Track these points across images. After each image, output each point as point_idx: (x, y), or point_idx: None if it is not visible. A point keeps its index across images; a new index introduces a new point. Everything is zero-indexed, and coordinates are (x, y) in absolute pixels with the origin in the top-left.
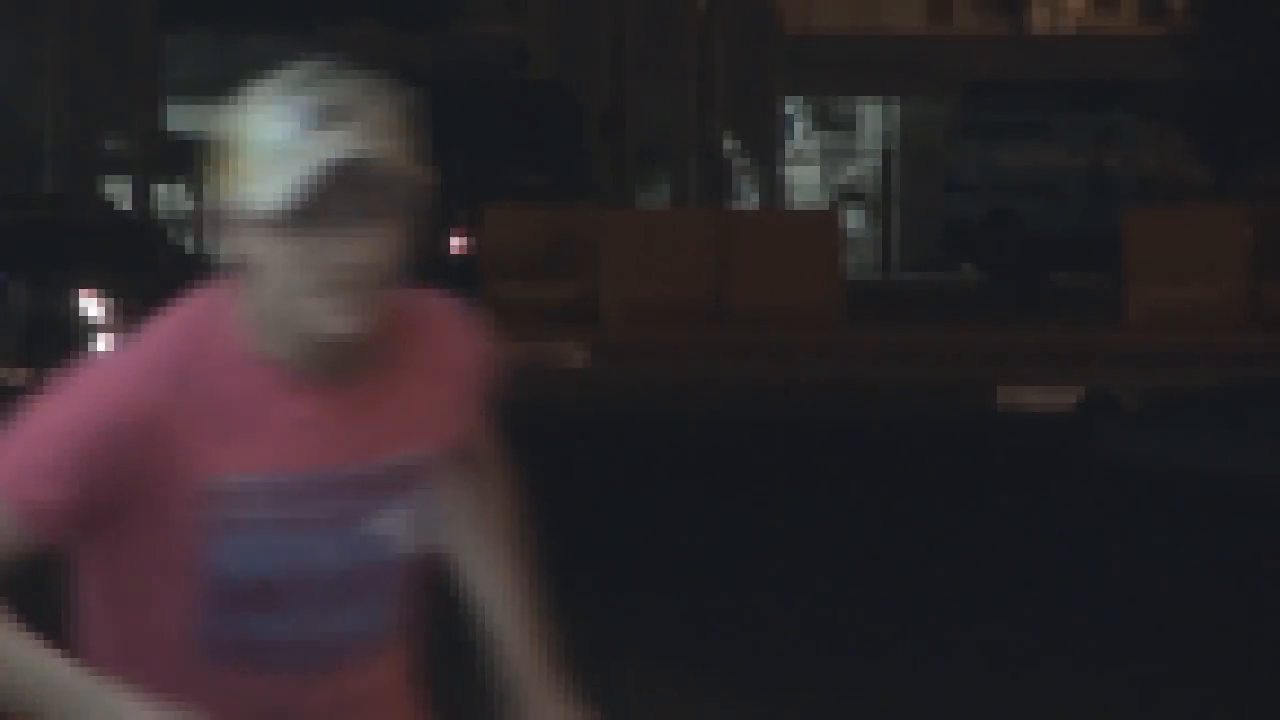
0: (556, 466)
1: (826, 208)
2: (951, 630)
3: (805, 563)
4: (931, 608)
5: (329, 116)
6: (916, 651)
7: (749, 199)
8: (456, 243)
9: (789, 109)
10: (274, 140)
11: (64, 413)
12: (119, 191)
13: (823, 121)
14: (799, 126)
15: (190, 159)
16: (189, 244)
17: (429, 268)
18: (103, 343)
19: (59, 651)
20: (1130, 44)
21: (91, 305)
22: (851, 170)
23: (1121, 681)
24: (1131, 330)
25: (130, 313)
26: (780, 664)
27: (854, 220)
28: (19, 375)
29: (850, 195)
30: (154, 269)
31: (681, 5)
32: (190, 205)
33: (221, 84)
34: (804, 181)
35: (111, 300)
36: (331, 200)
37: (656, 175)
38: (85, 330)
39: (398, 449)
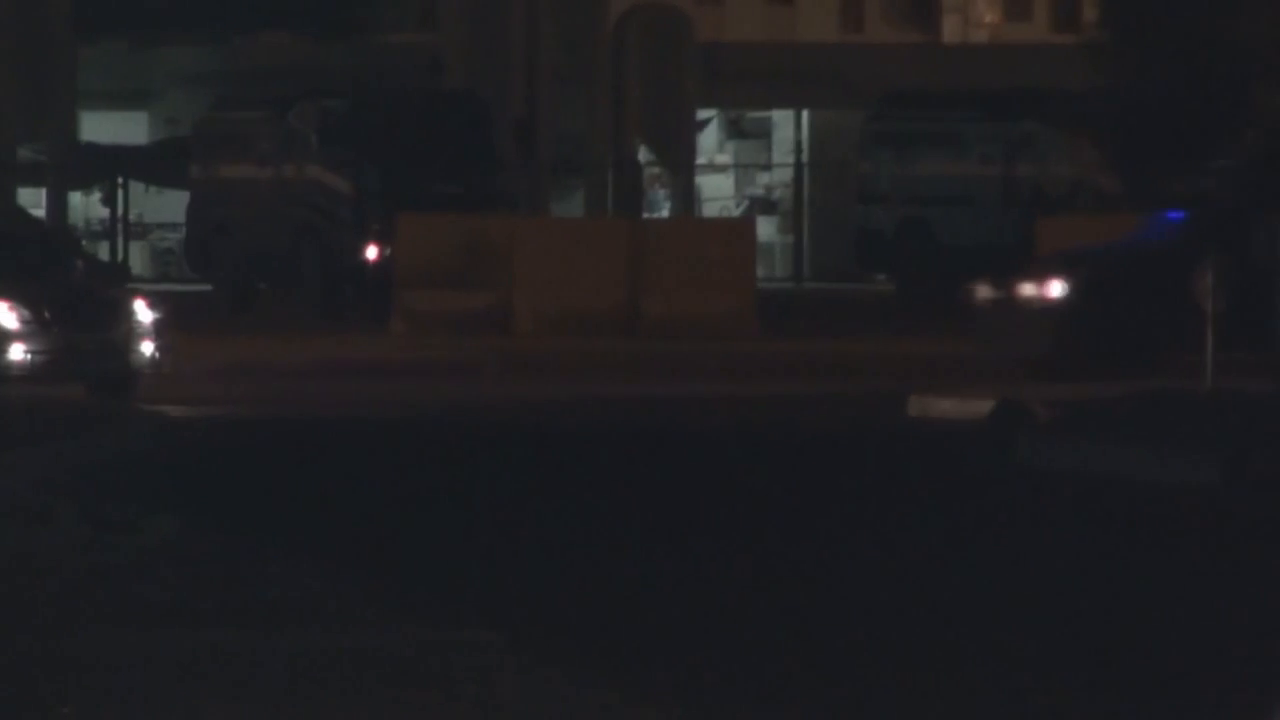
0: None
1: (739, 217)
2: (864, 638)
3: (717, 573)
4: (843, 617)
5: None
6: (828, 659)
7: (662, 209)
8: (371, 251)
9: (702, 118)
10: None
11: None
12: (33, 200)
13: (736, 131)
14: (712, 136)
15: (105, 168)
16: (104, 251)
17: (344, 275)
18: (15, 352)
19: None
20: (1042, 53)
21: (4, 314)
22: (764, 180)
23: (1038, 687)
24: None
25: (43, 321)
26: (688, 670)
27: (766, 230)
28: None
29: (763, 205)
30: (68, 277)
31: (595, 15)
32: (105, 214)
33: (135, 93)
34: (717, 192)
35: (24, 309)
36: None
37: (570, 185)
38: None
39: None
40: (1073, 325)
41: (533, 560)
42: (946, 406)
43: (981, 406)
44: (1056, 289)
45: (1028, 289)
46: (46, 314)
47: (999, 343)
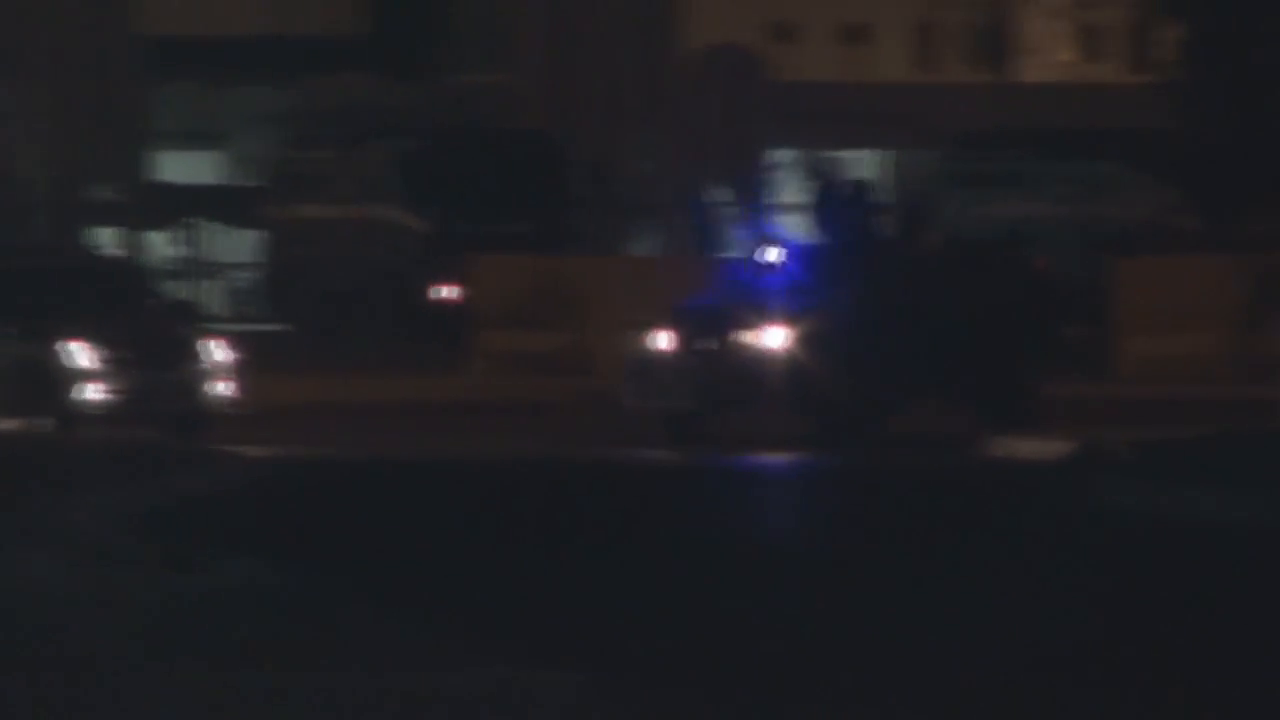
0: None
1: None
2: (946, 675)
3: (799, 616)
4: (925, 655)
5: None
6: (906, 700)
7: (735, 248)
8: (444, 291)
9: (777, 159)
10: None
11: None
12: (107, 240)
13: (812, 171)
14: (787, 177)
15: (179, 208)
16: (178, 292)
17: (419, 315)
18: (91, 391)
19: None
20: (1118, 93)
21: (79, 353)
22: None
23: None
24: (1122, 381)
25: (119, 361)
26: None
27: None
28: (9, 423)
29: None
30: (143, 317)
31: (670, 55)
32: (178, 253)
33: (209, 133)
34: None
35: (100, 349)
36: None
37: (644, 225)
38: (72, 379)
39: None
40: (691, 378)
41: (614, 601)
42: (1029, 446)
43: (1063, 447)
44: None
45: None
46: (121, 354)
47: (640, 396)
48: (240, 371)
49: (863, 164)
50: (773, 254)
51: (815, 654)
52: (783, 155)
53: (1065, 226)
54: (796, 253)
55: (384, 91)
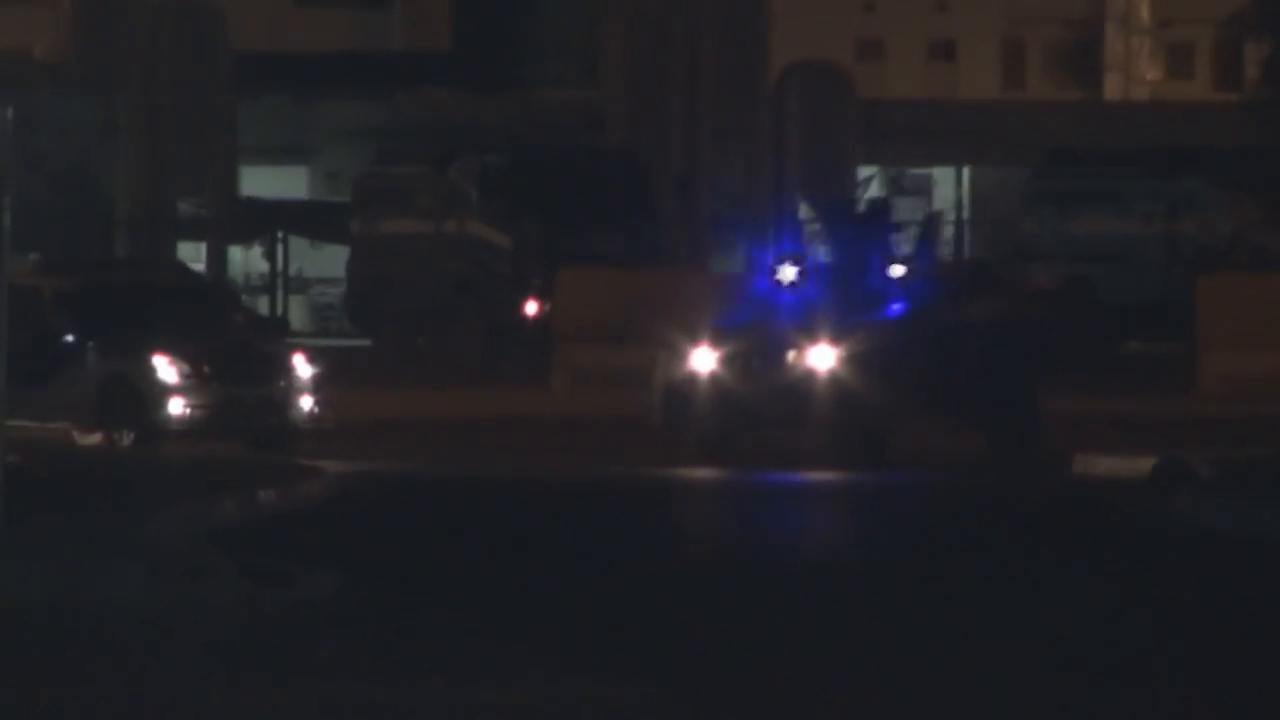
0: None
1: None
2: (1026, 688)
3: (875, 632)
4: (1007, 669)
5: None
6: (988, 708)
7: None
8: (531, 306)
9: (863, 175)
10: None
11: None
12: (194, 255)
13: (897, 188)
14: (874, 193)
15: (265, 223)
16: (263, 306)
17: (504, 330)
18: (175, 406)
19: None
20: (1205, 111)
21: (164, 368)
22: None
23: None
24: (1205, 399)
25: (203, 376)
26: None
27: None
28: (93, 437)
29: None
30: (228, 332)
31: (756, 72)
32: (265, 268)
33: (296, 149)
34: None
35: (184, 364)
36: None
37: (731, 241)
38: (158, 393)
39: None
40: (729, 397)
41: (696, 617)
42: (1110, 464)
43: (1144, 465)
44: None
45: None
46: (206, 369)
47: (676, 416)
48: (325, 387)
49: (949, 181)
50: (789, 272)
51: (904, 669)
52: (869, 172)
53: (1151, 244)
54: (813, 271)
55: (468, 107)
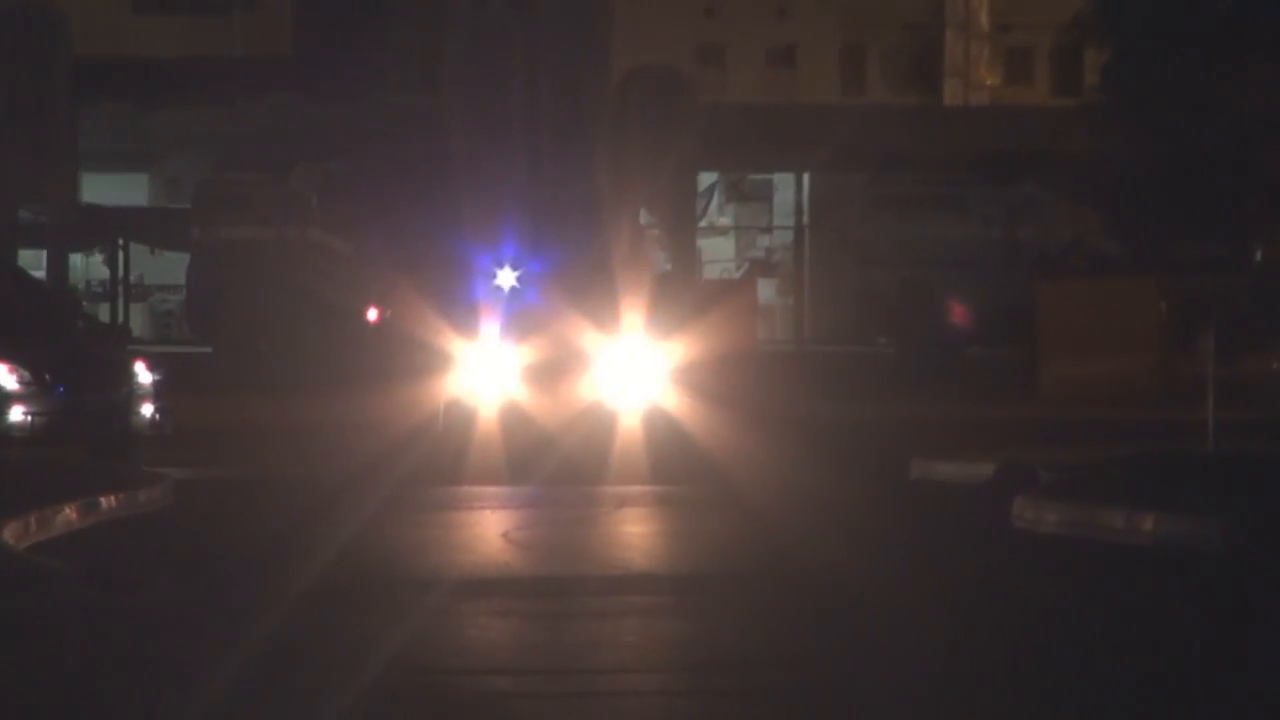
0: None
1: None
2: (876, 691)
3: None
4: (855, 672)
5: None
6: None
7: (662, 270)
8: (373, 313)
9: (703, 181)
10: None
11: None
12: (34, 262)
13: (736, 194)
14: (713, 199)
15: (106, 230)
16: (104, 313)
17: (348, 336)
18: (16, 413)
19: None
20: (1043, 116)
21: (4, 375)
22: (765, 243)
23: None
24: (1044, 402)
25: (44, 383)
26: None
27: (767, 292)
28: None
29: (763, 267)
30: (69, 339)
31: (597, 76)
32: (106, 275)
33: (136, 155)
34: (718, 254)
35: (25, 370)
36: None
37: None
38: None
39: None
40: None
41: None
42: (948, 469)
43: (983, 469)
44: None
45: None
46: (47, 376)
47: None
48: (167, 394)
49: (790, 186)
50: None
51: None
52: (709, 178)
53: (992, 249)
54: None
55: (310, 114)
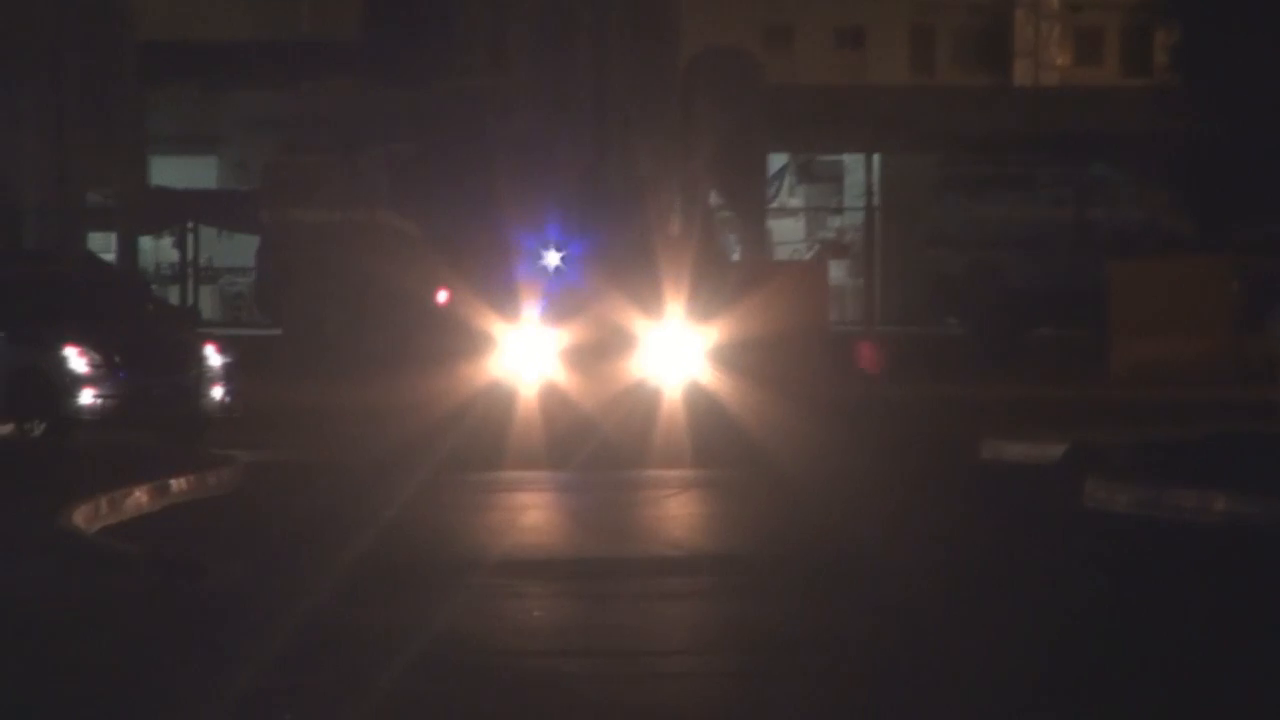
0: None
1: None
2: (942, 675)
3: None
4: (921, 654)
5: None
6: (899, 696)
7: (733, 252)
8: (442, 295)
9: (774, 163)
10: None
11: None
12: (104, 245)
13: (806, 175)
14: (784, 180)
15: (175, 212)
16: (174, 296)
17: (415, 319)
18: (86, 396)
19: None
20: (1113, 96)
21: (75, 359)
22: (835, 224)
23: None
24: (1115, 384)
25: (114, 366)
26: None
27: (838, 273)
28: (3, 428)
29: (834, 249)
30: (139, 322)
31: (665, 58)
32: (175, 258)
33: (204, 138)
34: (788, 236)
35: (95, 354)
36: None
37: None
38: (69, 383)
39: None
40: None
41: None
42: (1019, 450)
43: (1054, 450)
44: None
45: None
46: (117, 359)
47: None
48: (236, 376)
49: (859, 167)
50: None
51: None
52: (779, 159)
53: (1061, 230)
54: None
55: (376, 96)
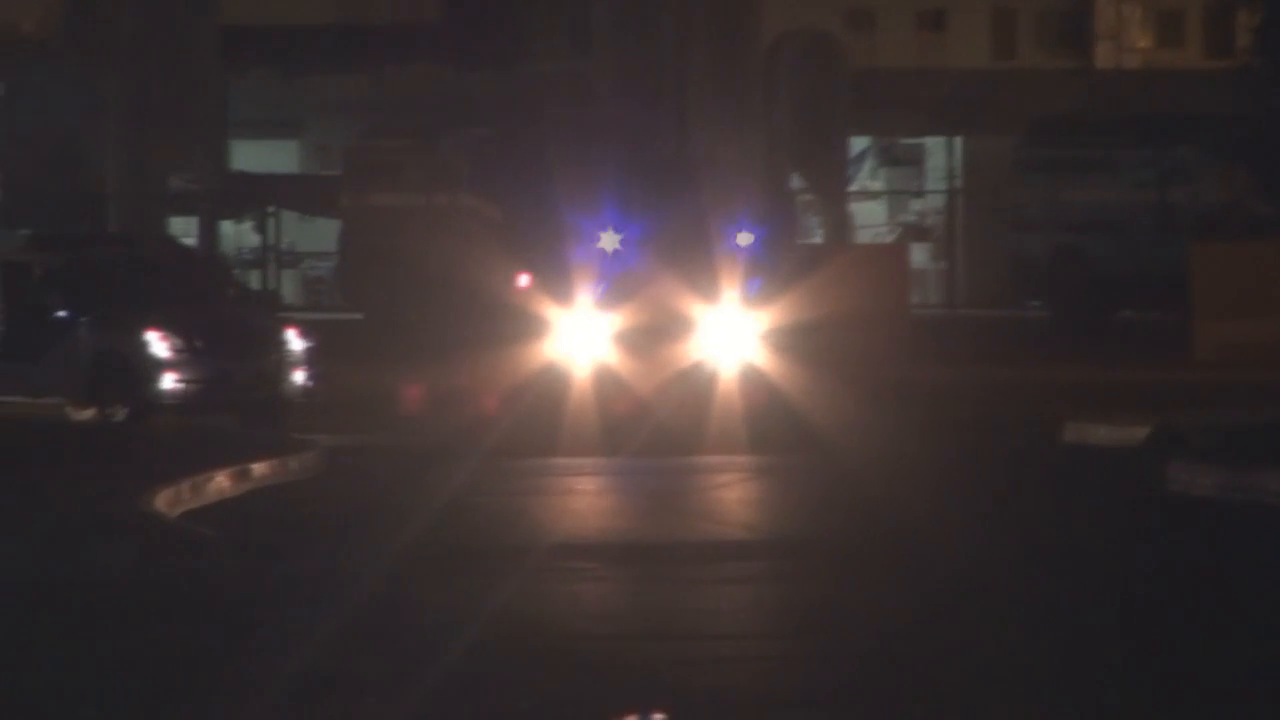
0: None
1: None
2: (1013, 660)
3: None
4: (1002, 635)
5: None
6: (987, 678)
7: (814, 235)
8: (523, 280)
9: (855, 146)
10: None
11: None
12: (185, 229)
13: (888, 158)
14: (865, 163)
15: (256, 196)
16: (255, 280)
17: (496, 303)
18: (167, 381)
19: None
20: (1195, 78)
21: (156, 343)
22: (917, 207)
23: (1187, 707)
24: (1198, 367)
25: (196, 351)
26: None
27: (920, 256)
28: (86, 413)
29: (916, 232)
30: (220, 306)
31: (747, 42)
32: (256, 242)
33: (285, 122)
34: (869, 219)
35: (177, 338)
36: None
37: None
38: (150, 368)
39: None
40: None
41: None
42: (1102, 433)
43: (1137, 433)
44: None
45: None
46: (198, 343)
47: None
48: (318, 360)
49: (941, 151)
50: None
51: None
52: (860, 142)
53: (1143, 213)
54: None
55: (457, 80)
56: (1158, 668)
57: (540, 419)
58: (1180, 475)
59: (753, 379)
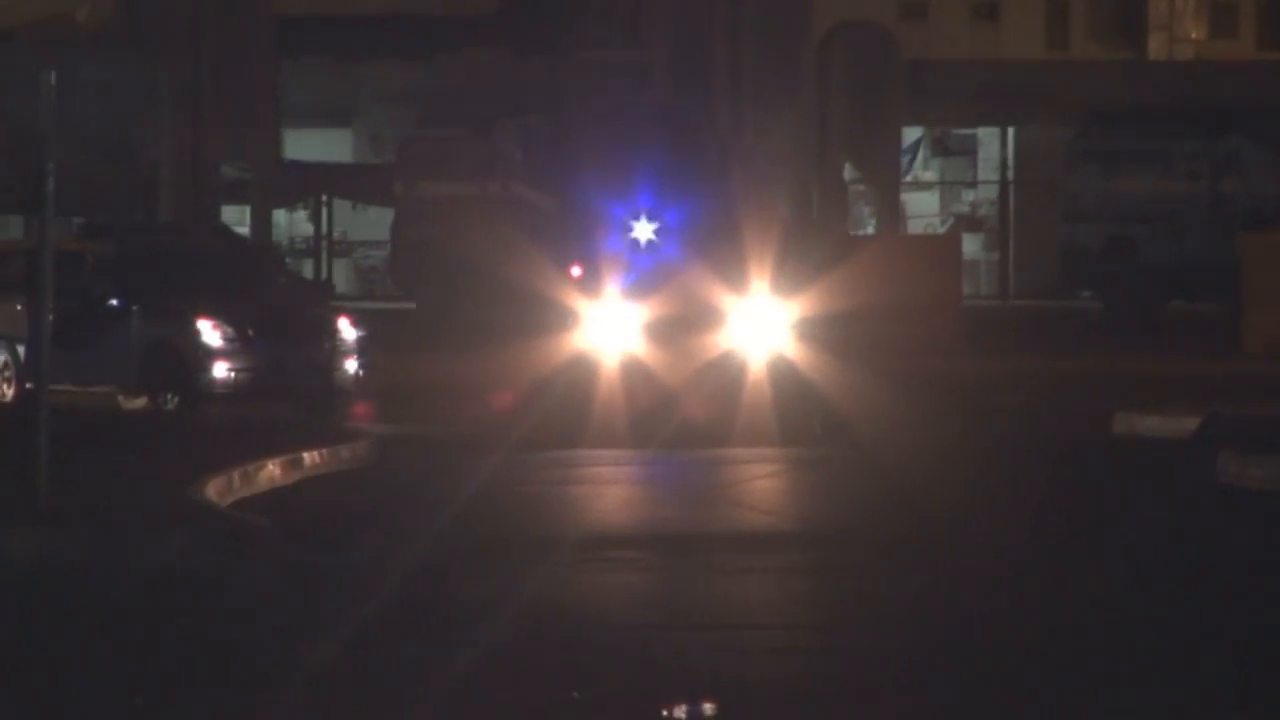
0: None
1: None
2: (1065, 650)
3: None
4: (1049, 629)
5: None
6: (1035, 671)
7: (867, 225)
8: (576, 270)
9: (908, 136)
10: None
11: None
12: (238, 218)
13: (941, 149)
14: (918, 154)
15: (309, 185)
16: (308, 269)
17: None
18: (219, 369)
19: None
20: (1248, 69)
21: (208, 332)
22: (969, 197)
23: (1233, 702)
24: (1249, 358)
25: (248, 339)
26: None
27: (972, 247)
28: (137, 401)
29: (968, 222)
30: (272, 295)
31: (800, 32)
32: (309, 231)
33: (339, 111)
34: (922, 209)
35: (229, 327)
36: None
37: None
38: (202, 357)
39: None
40: None
41: None
42: (1152, 423)
43: (1187, 424)
44: None
45: None
46: (250, 332)
47: None
48: (370, 349)
49: (994, 141)
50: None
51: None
52: (913, 133)
53: (1196, 204)
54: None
55: (511, 69)
56: (1209, 662)
57: (591, 409)
58: (1230, 467)
59: (783, 370)
